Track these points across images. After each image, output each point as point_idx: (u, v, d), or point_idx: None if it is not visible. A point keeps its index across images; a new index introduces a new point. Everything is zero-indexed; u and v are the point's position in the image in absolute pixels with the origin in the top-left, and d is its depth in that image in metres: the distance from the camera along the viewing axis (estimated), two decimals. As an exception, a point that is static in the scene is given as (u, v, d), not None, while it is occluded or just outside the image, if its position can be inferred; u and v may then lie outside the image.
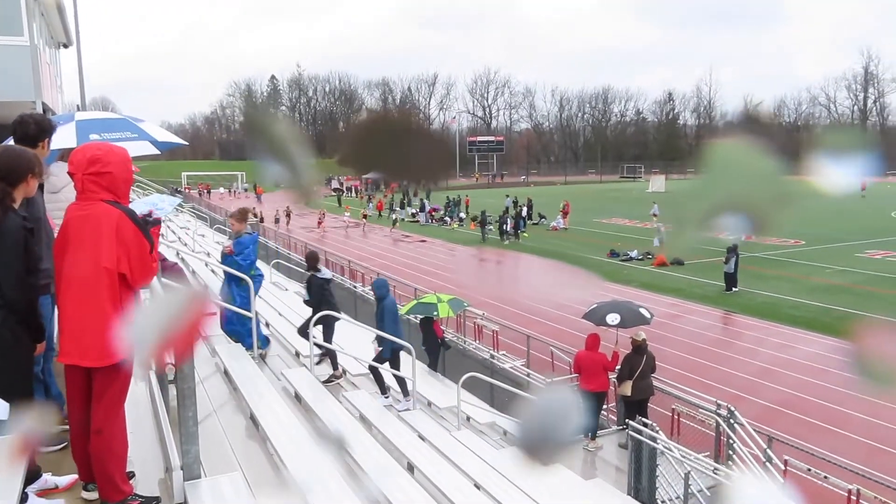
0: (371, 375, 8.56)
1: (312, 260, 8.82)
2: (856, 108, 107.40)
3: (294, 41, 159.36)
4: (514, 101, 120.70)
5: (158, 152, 6.60)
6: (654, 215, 39.62)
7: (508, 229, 34.91)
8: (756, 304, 19.81)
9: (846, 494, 7.94)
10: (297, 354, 8.67)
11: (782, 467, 8.47)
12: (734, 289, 21.22)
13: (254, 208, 50.88)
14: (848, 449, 10.05)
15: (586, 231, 37.48)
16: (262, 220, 45.17)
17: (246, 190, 79.13)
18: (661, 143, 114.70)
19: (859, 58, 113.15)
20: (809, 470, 8.33)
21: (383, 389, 8.35)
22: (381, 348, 8.47)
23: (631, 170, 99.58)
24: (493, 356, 13.71)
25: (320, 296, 8.36)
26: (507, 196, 47.15)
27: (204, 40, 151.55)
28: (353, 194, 68.12)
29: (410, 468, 5.96)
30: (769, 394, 12.83)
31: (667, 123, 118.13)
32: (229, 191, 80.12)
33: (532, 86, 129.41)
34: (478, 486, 6.23)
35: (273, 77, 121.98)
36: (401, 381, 8.47)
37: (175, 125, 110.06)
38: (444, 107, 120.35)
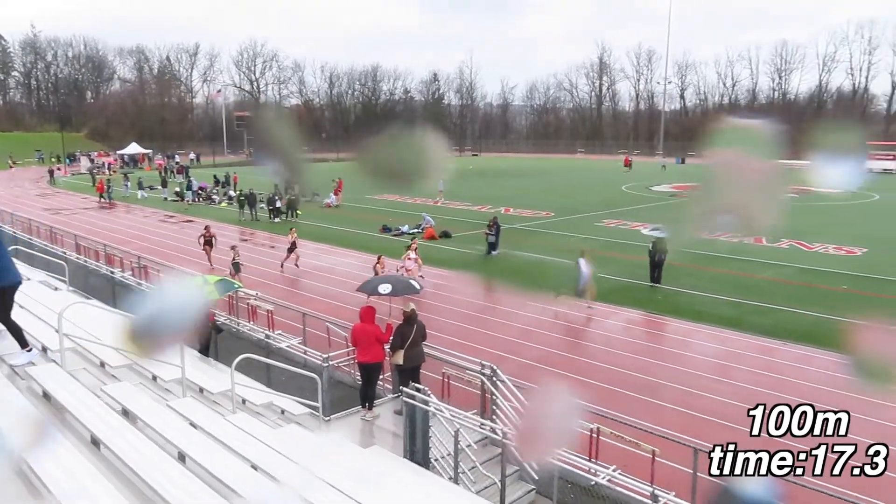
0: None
1: None
2: (593, 94, 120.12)
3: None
4: (284, 76, 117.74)
5: None
6: (441, 191, 41.36)
7: (281, 207, 34.15)
8: (514, 271, 21.59)
9: (589, 433, 9.08)
10: (45, 350, 7.83)
11: (538, 416, 9.43)
12: (494, 252, 22.88)
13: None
14: (590, 393, 11.44)
15: (359, 207, 37.91)
16: None
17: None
18: (429, 121, 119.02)
19: (595, 48, 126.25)
20: (560, 416, 9.37)
21: (23, 343, 7.02)
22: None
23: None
24: (268, 336, 13.47)
25: None
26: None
27: None
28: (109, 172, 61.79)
29: (182, 458, 5.72)
30: (527, 352, 14.13)
31: (433, 102, 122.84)
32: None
33: (301, 61, 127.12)
34: (255, 468, 6.15)
35: (0, 37, 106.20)
36: (14, 331, 7.06)
37: None
38: (208, 79, 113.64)
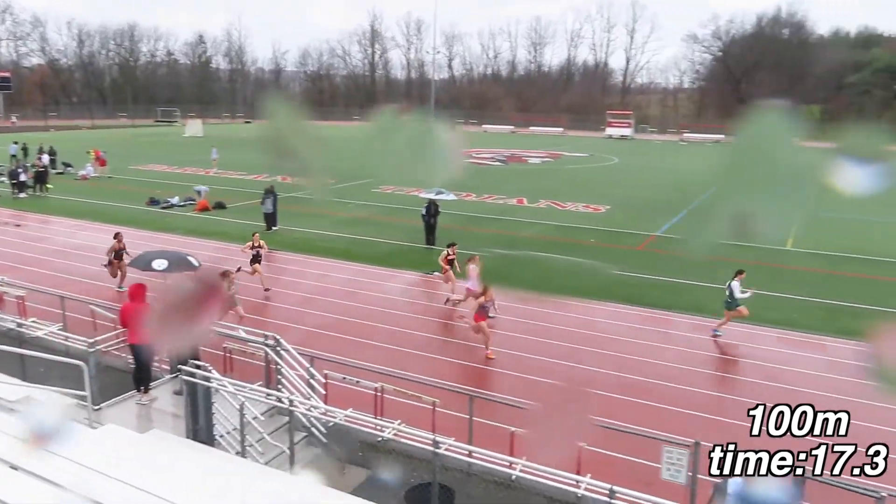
0: None
1: None
2: (366, 61, 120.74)
3: None
4: (21, 31, 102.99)
5: None
6: (214, 160, 39.52)
7: (27, 181, 30.22)
8: (294, 239, 21.42)
9: (373, 392, 9.49)
10: None
11: (323, 381, 9.65)
12: (274, 227, 22.52)
13: None
14: (377, 356, 11.86)
15: (122, 179, 34.94)
16: None
17: None
18: (195, 86, 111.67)
19: (367, 16, 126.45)
20: (344, 378, 9.67)
21: None
22: None
23: (167, 113, 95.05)
24: (20, 325, 12.12)
25: None
26: (15, 143, 40.94)
27: None
28: None
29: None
30: (311, 319, 14.22)
31: (200, 66, 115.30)
32: None
33: (42, 15, 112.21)
34: (15, 468, 5.66)
35: None
36: None
37: None
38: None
